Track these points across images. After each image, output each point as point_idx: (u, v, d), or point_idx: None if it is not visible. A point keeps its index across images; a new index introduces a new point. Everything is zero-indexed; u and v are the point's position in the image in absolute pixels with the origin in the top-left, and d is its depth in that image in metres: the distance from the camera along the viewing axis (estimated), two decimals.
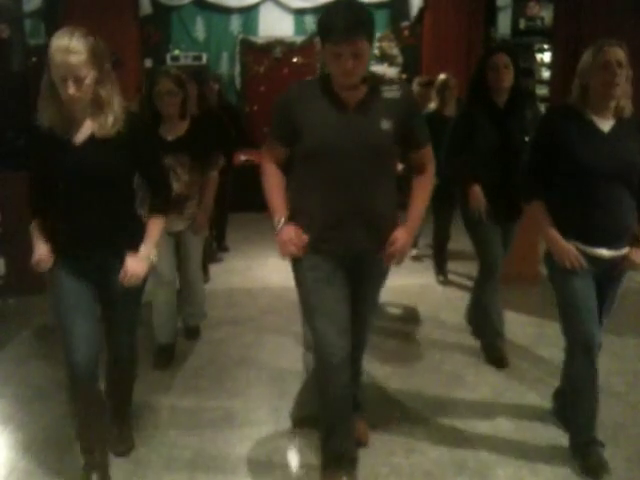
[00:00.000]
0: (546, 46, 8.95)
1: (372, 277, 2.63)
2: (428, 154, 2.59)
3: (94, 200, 2.41)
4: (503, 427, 3.08)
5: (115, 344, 2.71)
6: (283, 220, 2.48)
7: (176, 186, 3.47)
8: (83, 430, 2.63)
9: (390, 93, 2.39)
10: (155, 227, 2.58)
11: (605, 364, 2.83)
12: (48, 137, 2.36)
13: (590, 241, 2.65)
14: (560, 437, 2.93)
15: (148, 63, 8.77)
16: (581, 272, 2.65)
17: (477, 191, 3.58)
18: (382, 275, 2.66)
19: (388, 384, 3.51)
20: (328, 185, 2.41)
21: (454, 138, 3.73)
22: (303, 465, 2.81)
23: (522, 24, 9.01)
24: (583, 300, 2.66)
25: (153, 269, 2.67)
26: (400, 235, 2.50)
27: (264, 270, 5.55)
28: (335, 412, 2.56)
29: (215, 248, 5.90)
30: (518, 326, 4.09)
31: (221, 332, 4.28)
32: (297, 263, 2.54)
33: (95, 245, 2.47)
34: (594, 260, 2.66)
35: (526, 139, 3.45)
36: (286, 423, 3.12)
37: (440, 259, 5.44)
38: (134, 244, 2.52)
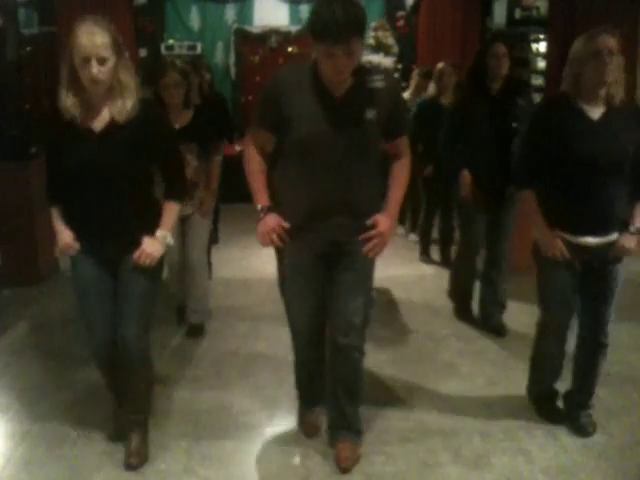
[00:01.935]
0: (542, 36, 8.93)
1: (354, 266, 2.58)
2: (405, 142, 2.60)
3: (113, 188, 2.46)
4: (498, 416, 3.10)
5: (124, 338, 2.60)
6: (265, 209, 2.52)
7: (186, 172, 3.53)
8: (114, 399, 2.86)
9: (375, 83, 2.42)
10: (171, 212, 2.64)
11: None
12: (67, 125, 2.41)
13: (576, 230, 2.68)
14: (555, 427, 2.96)
15: (143, 53, 8.71)
16: (566, 264, 2.71)
17: (465, 177, 3.84)
18: (366, 264, 2.61)
19: (382, 373, 3.52)
20: (313, 175, 2.43)
21: (449, 129, 3.96)
22: (301, 452, 2.81)
23: (518, 14, 8.98)
24: (562, 292, 2.78)
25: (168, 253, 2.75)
26: (381, 219, 2.52)
27: (260, 260, 5.54)
28: (303, 373, 2.93)
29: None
30: (512, 315, 4.11)
31: (217, 322, 4.29)
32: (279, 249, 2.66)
33: (112, 234, 2.52)
34: (582, 249, 2.69)
35: (514, 125, 3.63)
36: (282, 411, 3.14)
37: (425, 241, 5.74)
38: (151, 231, 2.57)
